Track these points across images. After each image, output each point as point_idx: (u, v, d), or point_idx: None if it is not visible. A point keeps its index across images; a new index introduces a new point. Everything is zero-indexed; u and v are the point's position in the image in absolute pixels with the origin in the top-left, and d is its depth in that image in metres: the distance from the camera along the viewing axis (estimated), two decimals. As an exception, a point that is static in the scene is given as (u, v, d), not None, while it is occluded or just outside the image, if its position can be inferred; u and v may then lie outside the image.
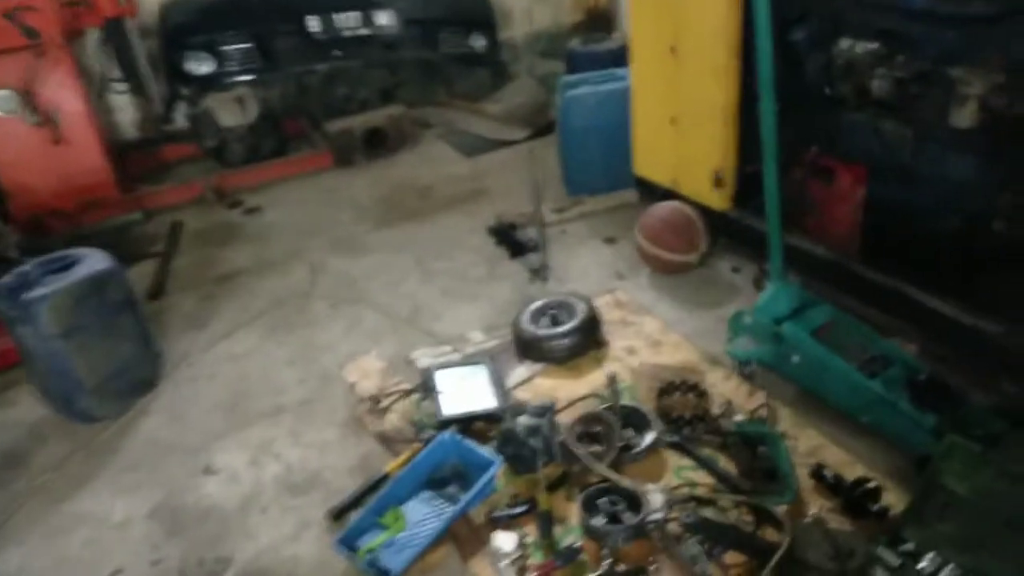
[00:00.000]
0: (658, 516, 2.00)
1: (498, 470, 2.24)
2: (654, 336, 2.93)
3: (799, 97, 2.69)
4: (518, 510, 2.16)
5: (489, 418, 2.50)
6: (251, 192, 4.84)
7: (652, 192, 3.73)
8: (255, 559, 2.23)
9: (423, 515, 2.22)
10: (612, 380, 2.57)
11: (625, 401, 2.50)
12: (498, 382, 2.67)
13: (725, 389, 2.59)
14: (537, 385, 2.74)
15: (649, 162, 3.72)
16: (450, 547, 2.14)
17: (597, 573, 1.94)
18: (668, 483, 2.22)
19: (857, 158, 2.76)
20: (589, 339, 2.86)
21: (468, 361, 2.83)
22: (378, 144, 5.16)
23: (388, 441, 2.56)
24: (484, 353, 2.90)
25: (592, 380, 2.71)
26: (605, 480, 2.16)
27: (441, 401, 2.57)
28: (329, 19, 5.13)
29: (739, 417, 2.38)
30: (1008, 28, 2.15)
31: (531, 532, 2.10)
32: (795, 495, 2.10)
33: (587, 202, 4.12)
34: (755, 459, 2.24)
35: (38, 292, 2.62)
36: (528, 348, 2.86)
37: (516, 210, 4.08)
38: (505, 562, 2.00)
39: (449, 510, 2.19)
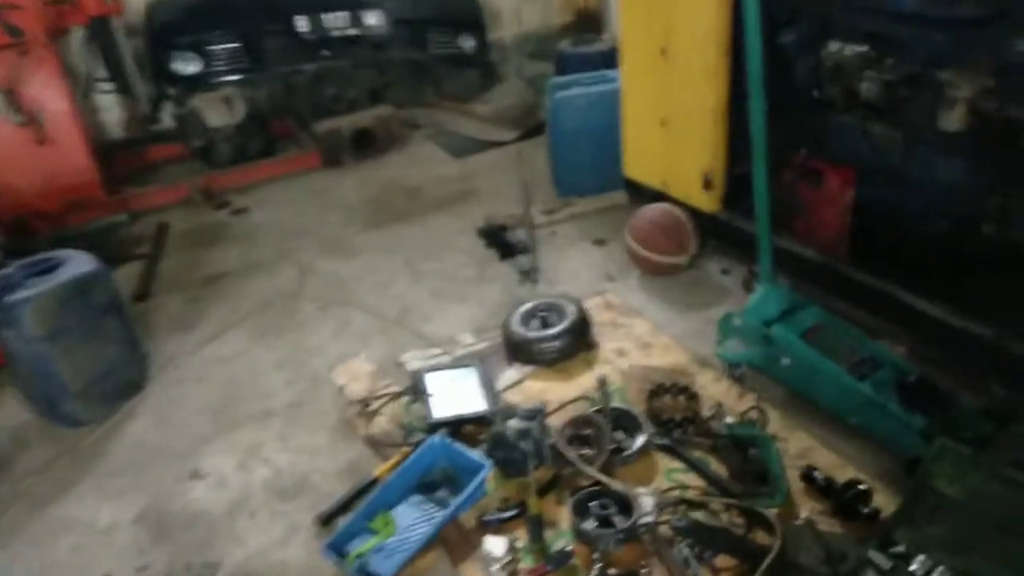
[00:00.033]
0: (649, 519, 2.00)
1: (488, 474, 2.23)
2: (644, 338, 2.93)
3: (788, 99, 2.69)
4: (508, 514, 2.15)
5: (479, 421, 2.49)
6: (238, 193, 4.80)
7: (642, 194, 3.74)
8: (243, 564, 2.21)
9: (413, 520, 2.21)
10: (603, 383, 2.57)
11: (615, 403, 2.50)
12: (488, 385, 2.66)
13: (715, 391, 2.59)
14: (527, 388, 2.74)
15: (639, 164, 3.72)
16: (440, 552, 2.13)
17: (588, 577, 1.94)
18: (659, 486, 2.21)
19: (846, 160, 2.77)
20: (579, 341, 2.86)
21: (458, 364, 2.82)
22: (366, 145, 5.13)
23: (377, 445, 2.54)
24: (474, 355, 2.89)
25: (582, 382, 2.70)
26: (596, 483, 2.15)
27: (432, 404, 2.55)
28: (317, 19, 5.10)
29: (729, 419, 2.38)
30: (996, 31, 2.15)
31: (522, 536, 2.09)
32: (786, 497, 2.10)
33: (577, 204, 4.12)
34: (746, 461, 2.24)
35: (21, 295, 2.58)
36: (518, 350, 2.85)
37: (506, 211, 4.07)
38: (496, 567, 1.99)
39: (439, 514, 2.17)
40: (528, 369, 2.81)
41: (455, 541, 2.14)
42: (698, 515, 2.07)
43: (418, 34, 5.47)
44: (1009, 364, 2.28)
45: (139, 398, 2.97)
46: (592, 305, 3.12)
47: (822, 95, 2.72)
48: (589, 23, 6.31)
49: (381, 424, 2.63)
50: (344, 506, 2.30)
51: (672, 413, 2.45)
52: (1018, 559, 1.70)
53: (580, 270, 3.57)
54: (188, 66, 4.87)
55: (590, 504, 2.09)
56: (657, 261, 3.32)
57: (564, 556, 1.99)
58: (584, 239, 3.84)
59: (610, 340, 2.94)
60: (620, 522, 2.02)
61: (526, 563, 2.02)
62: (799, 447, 2.32)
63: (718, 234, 3.42)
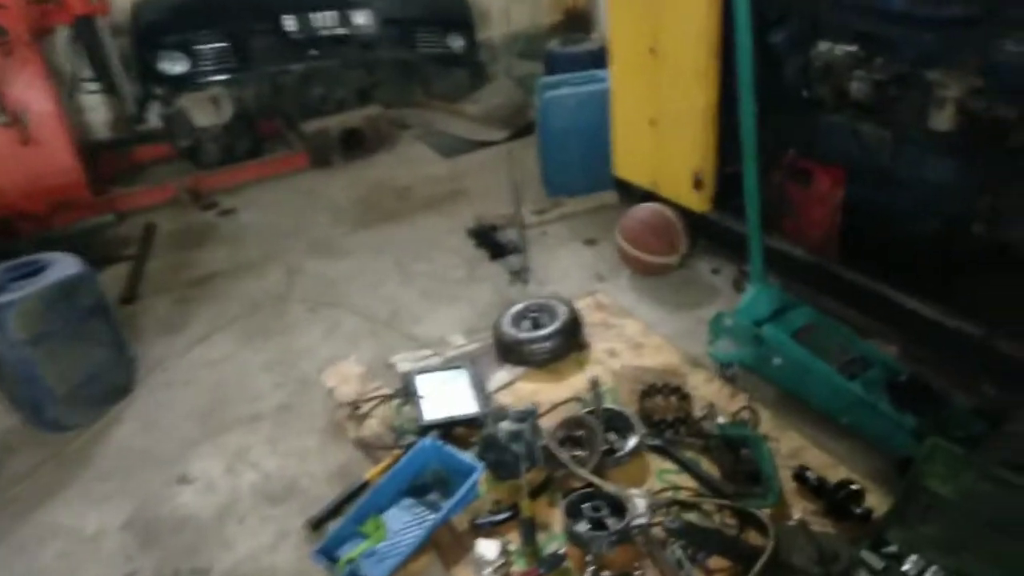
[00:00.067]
0: (642, 521, 1.99)
1: (480, 476, 2.22)
2: (636, 338, 2.93)
3: (778, 99, 2.70)
4: (501, 517, 2.14)
5: (471, 423, 2.48)
6: (226, 193, 4.77)
7: (632, 194, 3.73)
8: (232, 570, 2.19)
9: (404, 523, 2.19)
10: (595, 384, 2.56)
11: (607, 404, 2.49)
12: (479, 386, 2.65)
13: (707, 391, 2.59)
14: (519, 389, 2.72)
15: (629, 164, 3.71)
16: (432, 555, 2.11)
17: (581, 580, 1.93)
18: (651, 487, 2.21)
19: (835, 160, 2.77)
20: (571, 342, 2.85)
21: (449, 365, 2.80)
22: (355, 145, 5.11)
23: (368, 448, 2.52)
24: (465, 357, 2.87)
25: (574, 383, 2.69)
26: (588, 485, 2.14)
27: (423, 406, 2.54)
28: (305, 18, 5.07)
29: (721, 419, 2.38)
30: (985, 31, 2.16)
31: (514, 539, 2.08)
32: (778, 498, 2.10)
33: (567, 203, 4.11)
34: (738, 462, 2.24)
35: (5, 298, 2.54)
36: (509, 351, 2.84)
37: (495, 211, 4.06)
38: (488, 570, 1.97)
39: (431, 518, 2.16)
40: (519, 370, 2.80)
41: (447, 544, 2.13)
42: (691, 516, 2.07)
43: (407, 34, 5.45)
44: (999, 363, 2.29)
45: (126, 402, 2.93)
46: (583, 305, 3.11)
47: (811, 95, 2.72)
48: (578, 22, 6.31)
49: (371, 427, 2.61)
50: (334, 510, 2.28)
51: (664, 414, 2.44)
52: (1010, 558, 1.70)
53: (571, 270, 3.56)
54: (175, 66, 4.83)
55: (583, 506, 2.08)
56: (648, 261, 3.32)
57: (557, 559, 1.98)
58: (574, 239, 3.83)
59: (601, 340, 2.93)
60: (613, 524, 2.00)
61: (519, 566, 2.01)
62: (791, 447, 2.32)
63: (708, 234, 3.42)
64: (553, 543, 2.07)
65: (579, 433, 2.36)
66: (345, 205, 4.51)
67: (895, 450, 2.18)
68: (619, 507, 2.04)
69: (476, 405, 2.54)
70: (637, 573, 1.93)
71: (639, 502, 2.03)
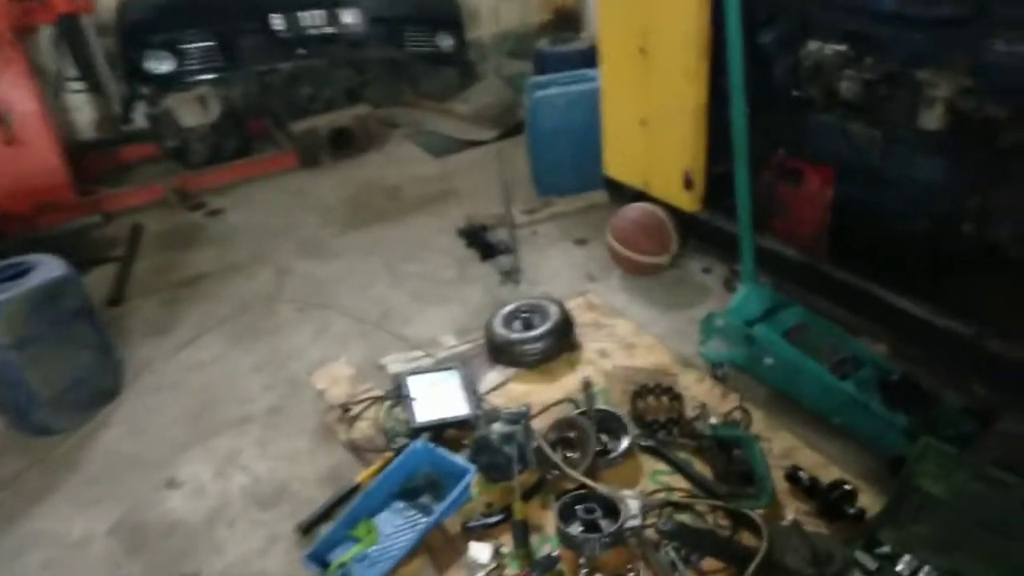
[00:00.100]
0: (635, 523, 1.99)
1: (472, 478, 2.20)
2: (627, 338, 2.92)
3: (768, 99, 2.70)
4: (493, 519, 2.12)
5: (462, 425, 2.46)
6: (214, 193, 4.73)
7: (622, 193, 3.72)
8: (222, 575, 2.16)
9: (396, 527, 2.17)
10: (587, 385, 2.55)
11: (600, 405, 2.48)
12: (471, 387, 2.63)
13: (699, 391, 2.59)
14: (510, 390, 2.71)
15: (619, 163, 3.71)
16: (425, 559, 2.10)
17: (575, 582, 1.92)
18: (644, 488, 2.20)
19: (825, 160, 2.77)
20: (562, 342, 2.84)
21: (440, 366, 2.78)
22: (344, 144, 5.08)
23: (359, 450, 2.51)
24: (456, 358, 2.86)
25: (566, 384, 2.68)
26: (581, 487, 2.14)
27: (414, 407, 2.52)
28: (293, 17, 5.05)
29: (713, 420, 2.37)
30: (975, 31, 2.16)
31: (507, 542, 2.06)
32: (771, 498, 2.09)
33: (557, 203, 4.10)
34: (730, 462, 2.23)
35: (-11, 301, 2.51)
36: (500, 352, 2.82)
37: (486, 211, 4.05)
38: (481, 573, 1.97)
39: (423, 521, 2.14)
40: (511, 371, 2.79)
41: (439, 548, 2.11)
42: (684, 517, 2.06)
43: (395, 32, 5.44)
44: (989, 363, 2.29)
45: (113, 405, 2.90)
46: (574, 305, 3.10)
47: (801, 94, 2.72)
48: (567, 22, 6.31)
49: (362, 429, 2.59)
50: (325, 514, 2.26)
51: (656, 414, 2.44)
52: (1002, 558, 1.71)
53: (561, 270, 3.55)
54: (161, 65, 4.79)
55: (576, 508, 2.07)
56: (638, 261, 3.31)
57: (550, 561, 1.97)
58: (565, 239, 3.82)
59: (593, 341, 2.92)
60: (606, 526, 1.99)
61: (512, 569, 1.99)
62: (783, 447, 2.32)
63: (699, 233, 3.42)
64: (546, 545, 2.06)
65: (571, 434, 2.35)
66: (334, 205, 4.48)
67: (887, 449, 2.18)
68: (612, 509, 2.03)
69: (468, 407, 2.53)
70: (630, 575, 1.93)
71: (632, 504, 2.02)
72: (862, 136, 2.59)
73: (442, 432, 2.45)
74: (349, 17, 5.21)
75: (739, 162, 2.51)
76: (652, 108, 3.29)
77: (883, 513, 1.90)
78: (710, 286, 3.30)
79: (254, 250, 4.00)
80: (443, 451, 2.30)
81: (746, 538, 1.99)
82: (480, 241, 3.76)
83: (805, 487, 2.11)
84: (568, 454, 2.30)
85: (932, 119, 2.30)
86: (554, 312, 2.87)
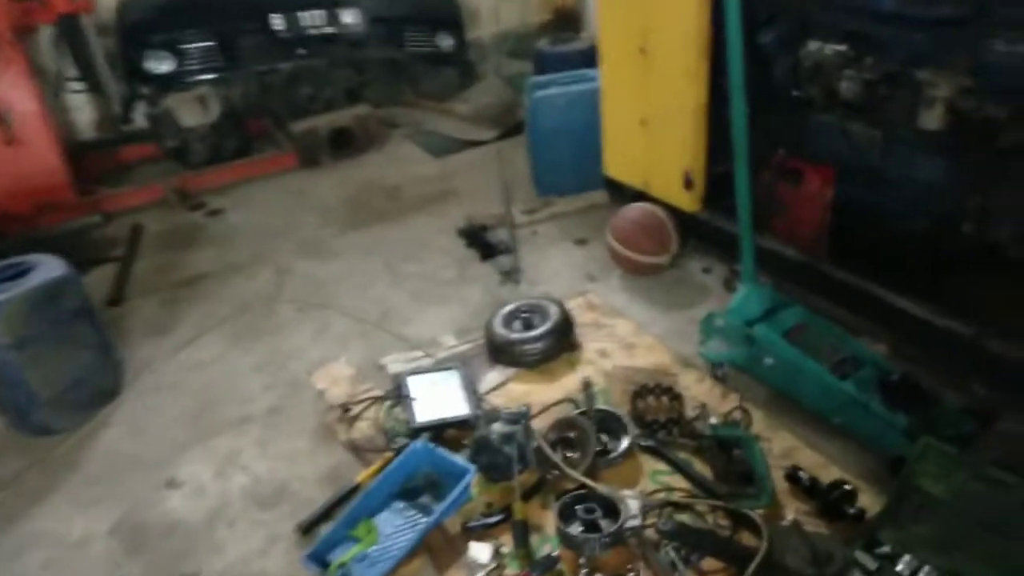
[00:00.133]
0: (635, 523, 1.99)
1: (472, 478, 2.20)
2: (627, 338, 2.92)
3: (768, 99, 2.70)
4: (493, 519, 2.12)
5: (462, 425, 2.46)
6: (214, 193, 4.73)
7: (622, 193, 3.72)
8: (222, 575, 2.16)
9: (396, 527, 2.17)
10: (587, 385, 2.55)
11: (600, 405, 2.48)
12: (471, 387, 2.63)
13: (699, 391, 2.59)
14: (510, 390, 2.71)
15: (619, 163, 3.71)
16: (425, 559, 2.10)
17: (575, 582, 1.92)
18: (644, 488, 2.20)
19: (825, 160, 2.77)
20: (562, 342, 2.84)
21: (440, 366, 2.78)
22: (344, 144, 5.08)
23: (359, 450, 2.51)
24: (456, 358, 2.86)
25: (566, 384, 2.68)
26: (581, 487, 2.13)
27: (414, 407, 2.52)
28: (293, 17, 5.05)
29: (713, 420, 2.37)
30: (975, 31, 2.16)
31: (507, 542, 2.06)
32: (771, 498, 2.09)
33: (557, 203, 4.10)
34: (730, 462, 2.23)
35: (-11, 301, 2.51)
36: (500, 352, 2.82)
37: (486, 211, 4.05)
38: (481, 573, 1.97)
39: (423, 521, 2.14)
40: (511, 371, 2.78)
41: (439, 548, 2.11)
42: (684, 517, 2.06)
43: (395, 32, 5.44)
44: (989, 363, 2.29)
45: (113, 405, 2.90)
46: (574, 305, 3.10)
47: (801, 94, 2.72)
48: (567, 22, 6.30)
49: (362, 429, 2.59)
50: (325, 514, 2.26)
51: (656, 414, 2.44)
52: (1002, 558, 1.71)
53: (561, 270, 3.55)
54: (161, 65, 4.79)
55: (576, 508, 2.07)
56: (638, 261, 3.31)
57: (550, 561, 1.97)
58: (565, 239, 3.82)
59: (593, 341, 2.92)
60: (606, 526, 1.99)
61: (512, 569, 1.99)
62: (783, 447, 2.32)
63: (698, 233, 3.42)
64: (546, 545, 2.06)
65: (571, 434, 2.35)
66: (334, 205, 4.48)
67: (887, 449, 2.18)
68: (612, 509, 2.03)
69: (468, 407, 2.53)
70: (630, 575, 1.93)
71: (632, 503, 2.02)
72: (862, 136, 2.59)
73: (442, 432, 2.45)
74: (349, 17, 5.22)
75: (739, 162, 2.51)
76: (652, 108, 3.29)
77: (883, 513, 1.89)
78: (710, 286, 3.30)
79: (254, 250, 4.00)
80: (443, 451, 2.30)
81: (746, 538, 1.99)
82: (480, 241, 3.76)
83: (805, 487, 2.11)
84: (568, 454, 2.30)
85: (932, 119, 2.30)
86: (554, 312, 2.87)
